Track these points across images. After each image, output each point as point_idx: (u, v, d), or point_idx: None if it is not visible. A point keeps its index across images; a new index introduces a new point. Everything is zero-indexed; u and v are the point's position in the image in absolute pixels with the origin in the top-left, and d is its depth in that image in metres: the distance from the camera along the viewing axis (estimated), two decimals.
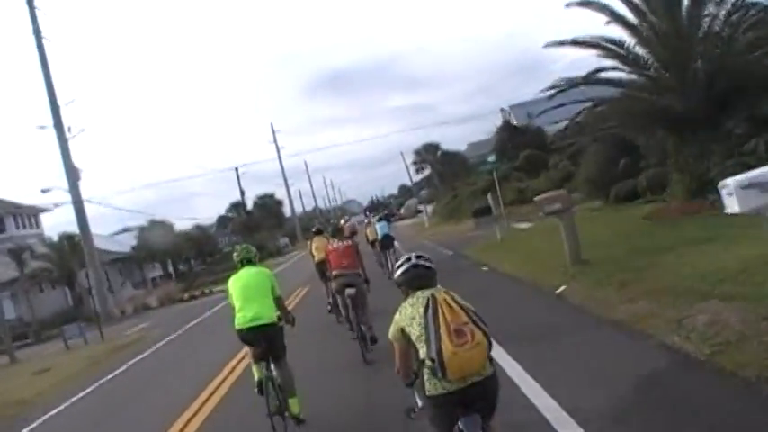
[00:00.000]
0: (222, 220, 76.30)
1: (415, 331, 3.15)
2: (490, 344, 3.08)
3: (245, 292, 5.78)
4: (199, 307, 25.70)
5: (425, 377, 3.14)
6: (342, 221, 15.79)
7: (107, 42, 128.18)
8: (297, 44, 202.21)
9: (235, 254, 6.19)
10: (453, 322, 3.04)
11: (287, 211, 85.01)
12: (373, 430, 5.51)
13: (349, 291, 7.91)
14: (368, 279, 8.49)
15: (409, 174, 68.42)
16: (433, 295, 3.18)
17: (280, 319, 5.92)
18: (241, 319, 5.73)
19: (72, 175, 29.34)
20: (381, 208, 68.17)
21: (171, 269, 61.45)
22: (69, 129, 29.61)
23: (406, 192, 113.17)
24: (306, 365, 7.44)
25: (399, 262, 3.51)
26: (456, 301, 3.18)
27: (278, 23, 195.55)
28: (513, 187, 34.93)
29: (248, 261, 6.05)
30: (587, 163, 31.69)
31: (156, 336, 18.79)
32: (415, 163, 56.62)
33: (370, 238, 18.28)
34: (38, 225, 46.67)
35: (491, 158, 19.16)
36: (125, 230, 63.13)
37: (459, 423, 3.13)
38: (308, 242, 14.14)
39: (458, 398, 3.07)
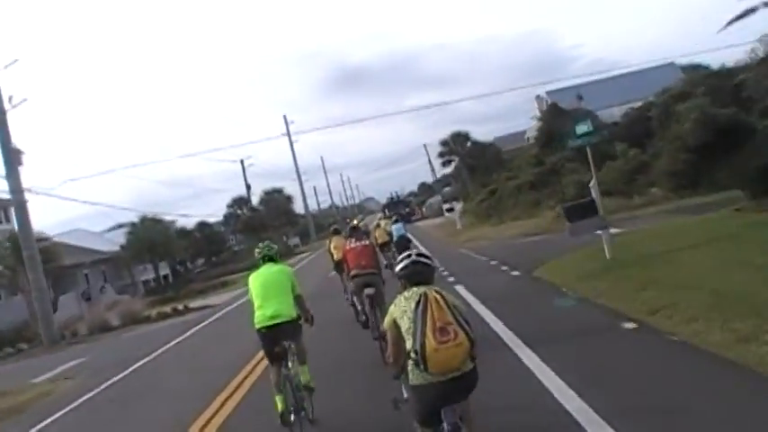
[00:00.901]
0: (229, 218, 69.87)
1: (404, 324, 3.40)
2: (472, 344, 3.28)
3: (265, 290, 5.80)
4: (163, 333, 19.10)
5: (410, 367, 3.37)
6: (355, 221, 15.33)
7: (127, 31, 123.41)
8: (314, 42, 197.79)
9: (257, 250, 6.21)
10: (440, 320, 3.26)
11: (299, 208, 78.78)
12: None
13: (368, 290, 7.85)
14: (384, 279, 8.29)
15: (432, 168, 61.75)
16: (425, 293, 3.38)
17: (299, 317, 5.92)
18: (260, 317, 5.73)
19: (11, 157, 22.91)
20: (402, 206, 61.38)
21: (168, 271, 55.29)
22: (10, 99, 23.25)
23: (426, 189, 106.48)
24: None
25: (401, 257, 3.73)
26: (446, 301, 3.36)
27: (296, 21, 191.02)
28: (570, 181, 27.92)
29: (270, 258, 6.09)
30: (672, 150, 24.67)
31: (60, 396, 12.16)
32: (441, 155, 49.37)
33: (379, 241, 16.33)
34: (8, 219, 40.65)
35: (585, 127, 12.03)
36: (119, 227, 57.12)
37: (441, 413, 3.35)
38: (327, 241, 13.58)
39: (438, 389, 3.30)
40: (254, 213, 55.10)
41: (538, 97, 53.09)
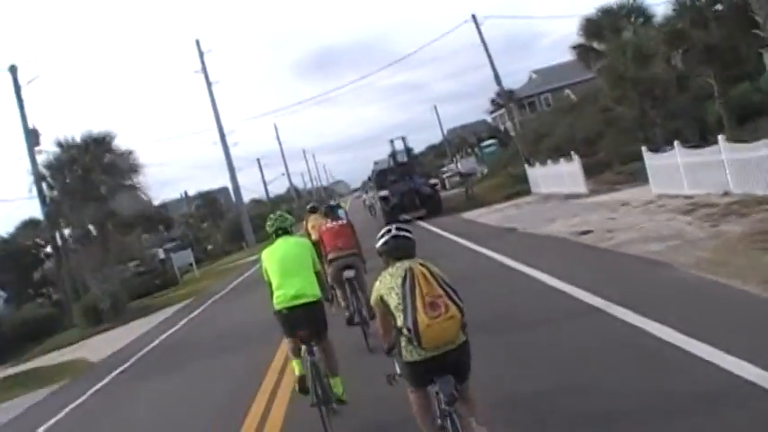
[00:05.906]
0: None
1: (393, 301, 3.31)
2: (463, 316, 3.23)
3: (284, 266, 5.22)
4: None
5: (402, 344, 3.31)
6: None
7: None
8: (283, 24, 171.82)
9: (269, 223, 5.64)
10: (429, 295, 3.19)
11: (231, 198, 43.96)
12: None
13: (347, 273, 7.47)
14: (364, 259, 7.91)
15: (494, 69, 27.01)
16: (410, 267, 3.28)
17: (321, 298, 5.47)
18: (281, 297, 5.15)
19: None
20: (413, 169, 25.47)
21: None
22: None
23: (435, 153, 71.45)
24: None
25: (381, 233, 3.61)
26: (432, 274, 3.27)
27: (266, 2, 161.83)
28: None
29: (285, 231, 5.53)
30: None
31: None
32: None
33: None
34: None
35: None
36: None
37: (436, 383, 3.32)
38: (304, 222, 13.56)
39: (432, 364, 3.26)
40: None
41: None
